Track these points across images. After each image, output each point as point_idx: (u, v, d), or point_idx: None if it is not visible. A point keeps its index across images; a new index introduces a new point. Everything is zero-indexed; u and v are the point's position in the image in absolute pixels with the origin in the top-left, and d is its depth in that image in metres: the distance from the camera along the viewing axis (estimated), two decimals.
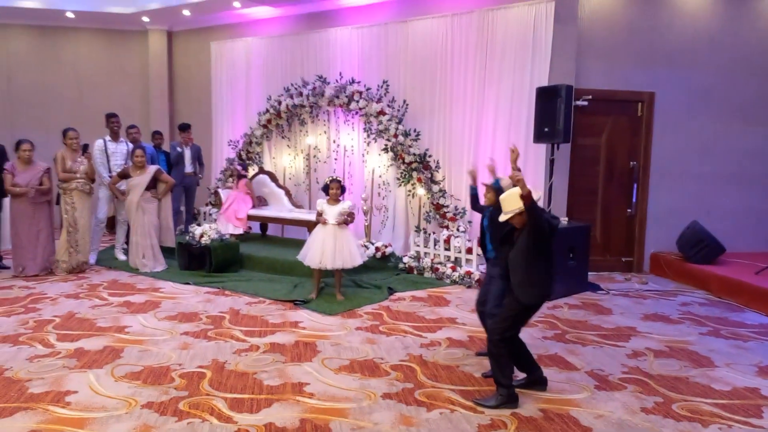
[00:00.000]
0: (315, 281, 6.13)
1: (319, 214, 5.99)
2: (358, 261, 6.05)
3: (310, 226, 7.21)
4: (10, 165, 6.91)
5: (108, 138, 7.87)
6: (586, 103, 7.32)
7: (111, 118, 7.88)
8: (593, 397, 3.79)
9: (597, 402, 3.71)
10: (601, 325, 5.38)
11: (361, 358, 4.41)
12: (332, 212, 5.91)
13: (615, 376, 4.13)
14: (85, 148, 7.45)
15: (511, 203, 3.59)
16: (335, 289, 6.10)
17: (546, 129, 6.65)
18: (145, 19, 10.53)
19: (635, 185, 7.68)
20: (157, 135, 8.84)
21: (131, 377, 4.01)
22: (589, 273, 6.92)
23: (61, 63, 10.94)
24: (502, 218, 3.65)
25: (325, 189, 6.03)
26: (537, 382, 3.89)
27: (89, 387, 3.84)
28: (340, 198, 6.02)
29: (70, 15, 10.29)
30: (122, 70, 11.17)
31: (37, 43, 10.85)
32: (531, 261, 3.57)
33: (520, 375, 3.91)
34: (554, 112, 6.53)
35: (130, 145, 7.96)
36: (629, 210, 7.72)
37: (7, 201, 7.13)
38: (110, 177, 7.64)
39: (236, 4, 9.42)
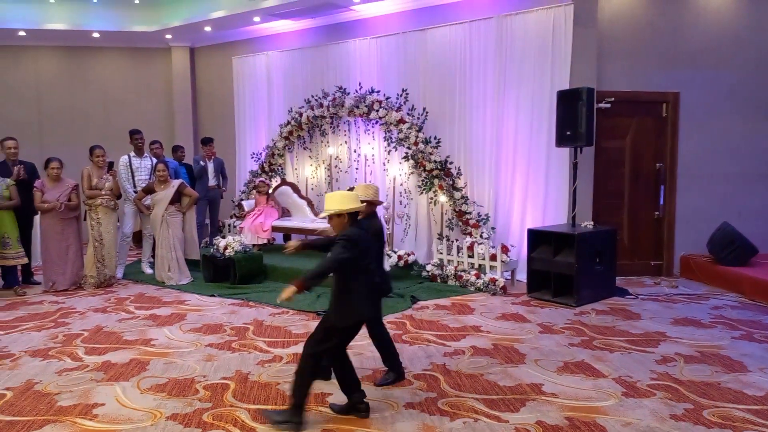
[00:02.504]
0: None
1: None
2: (386, 268, 6.03)
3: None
4: (39, 183, 7.08)
5: (132, 154, 8.02)
6: (608, 105, 7.23)
7: (135, 135, 8.04)
8: (621, 404, 3.70)
9: (625, 409, 3.63)
10: (629, 330, 5.26)
11: (383, 368, 4.36)
12: None
13: (643, 383, 4.03)
14: (111, 166, 7.60)
15: (332, 202, 3.50)
16: None
17: (568, 132, 6.58)
18: (168, 36, 10.74)
19: (662, 187, 7.54)
20: (178, 150, 8.98)
21: (156, 389, 4.05)
22: (617, 278, 6.80)
23: (88, 82, 11.20)
24: (322, 214, 3.60)
25: None
26: (357, 407, 3.59)
27: (116, 399, 3.90)
28: None
29: (95, 35, 10.54)
30: (147, 87, 11.39)
31: (64, 63, 11.14)
32: (341, 282, 3.50)
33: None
34: (576, 116, 6.46)
35: (154, 161, 8.10)
36: (657, 212, 7.57)
37: (37, 218, 7.30)
38: (135, 192, 7.78)
39: (256, 19, 9.54)
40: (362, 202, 3.81)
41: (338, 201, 3.48)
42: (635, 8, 7.31)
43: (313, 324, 5.59)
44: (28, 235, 7.48)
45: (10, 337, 5.30)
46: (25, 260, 7.10)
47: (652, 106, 7.47)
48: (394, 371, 4.09)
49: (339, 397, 3.76)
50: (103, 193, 7.24)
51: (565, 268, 6.23)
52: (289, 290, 3.31)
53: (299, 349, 4.79)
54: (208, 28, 10.16)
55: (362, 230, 3.54)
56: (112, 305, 6.44)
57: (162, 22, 10.34)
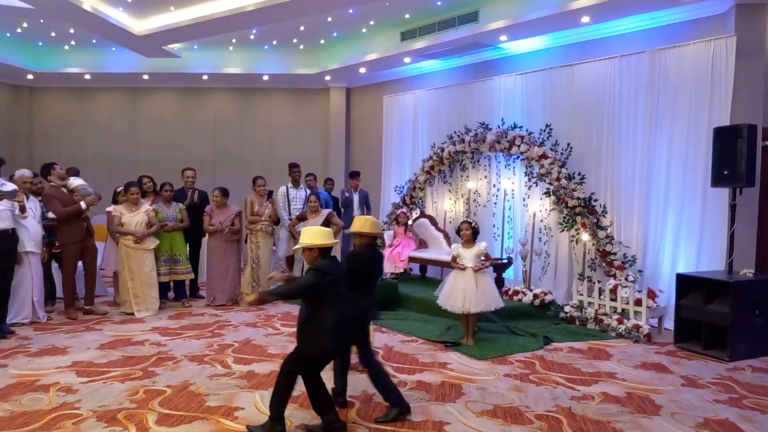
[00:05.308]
0: (465, 326, 6.14)
1: (454, 259, 6.05)
2: (500, 303, 6.04)
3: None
4: (209, 208, 8.01)
5: (290, 185, 8.78)
6: None
7: (293, 168, 8.82)
8: None
9: None
10: None
11: (505, 405, 4.35)
12: (469, 256, 5.94)
13: None
14: (270, 194, 8.38)
15: (306, 237, 3.73)
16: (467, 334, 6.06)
17: (725, 172, 6.09)
18: (327, 78, 11.65)
19: None
20: (329, 182, 9.67)
21: (290, 400, 4.35)
22: None
23: (256, 119, 12.50)
24: (295, 247, 3.79)
25: (459, 232, 6.10)
26: (331, 427, 3.74)
27: (254, 405, 4.29)
28: (474, 241, 6.04)
29: (265, 78, 11.75)
30: (307, 124, 12.44)
31: (238, 102, 12.54)
32: (308, 311, 3.66)
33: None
34: (734, 154, 5.96)
35: (308, 191, 8.78)
36: None
37: (205, 240, 8.23)
38: (290, 219, 8.48)
39: (407, 60, 10.07)
40: (362, 234, 4.23)
41: (311, 236, 3.76)
42: None
43: (440, 354, 5.69)
44: (197, 254, 8.44)
45: (175, 342, 6.03)
46: (191, 275, 7.99)
47: None
48: (396, 406, 4.05)
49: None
50: (262, 219, 8.00)
51: (718, 319, 5.72)
52: (253, 297, 3.72)
53: (424, 377, 4.96)
54: (362, 70, 10.88)
55: (334, 262, 3.81)
56: (261, 321, 7.05)
57: (322, 65, 11.26)
